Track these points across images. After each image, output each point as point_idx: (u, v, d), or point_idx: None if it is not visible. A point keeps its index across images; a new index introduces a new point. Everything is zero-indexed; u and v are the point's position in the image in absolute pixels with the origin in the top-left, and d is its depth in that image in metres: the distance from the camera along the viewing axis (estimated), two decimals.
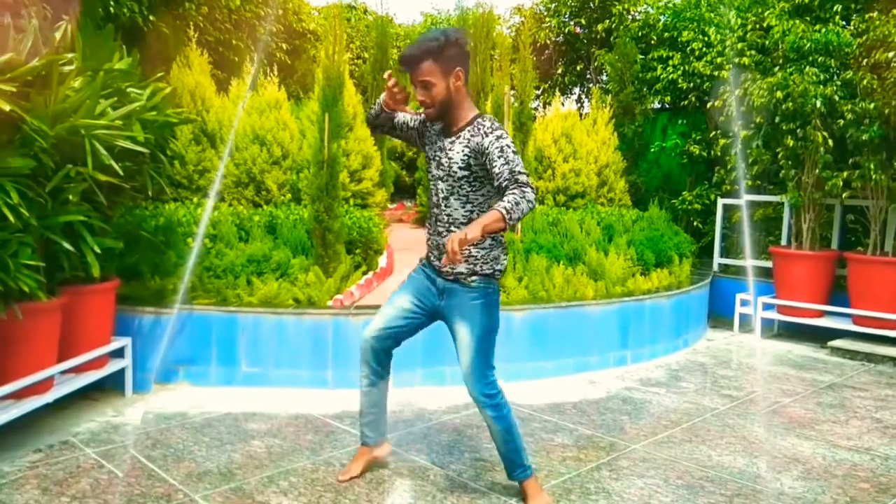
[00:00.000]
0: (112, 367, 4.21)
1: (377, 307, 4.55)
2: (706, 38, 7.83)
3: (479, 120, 2.84)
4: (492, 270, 2.90)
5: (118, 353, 4.28)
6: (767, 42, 6.58)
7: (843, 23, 6.50)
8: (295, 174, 6.21)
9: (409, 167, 9.64)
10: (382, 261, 5.90)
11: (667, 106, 8.97)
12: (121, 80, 3.96)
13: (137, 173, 4.08)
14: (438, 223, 2.95)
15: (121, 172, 3.67)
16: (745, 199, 6.93)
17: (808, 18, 6.51)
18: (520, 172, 2.66)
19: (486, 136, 2.75)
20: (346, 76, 6.27)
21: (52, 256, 3.65)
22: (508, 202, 2.58)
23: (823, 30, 6.07)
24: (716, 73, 7.48)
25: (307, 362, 4.55)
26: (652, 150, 8.70)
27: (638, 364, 5.40)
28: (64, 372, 3.84)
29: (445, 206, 2.91)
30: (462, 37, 2.84)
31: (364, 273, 5.45)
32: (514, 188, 2.63)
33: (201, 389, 4.45)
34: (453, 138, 2.88)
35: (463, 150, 2.82)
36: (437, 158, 2.93)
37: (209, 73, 6.53)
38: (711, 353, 5.86)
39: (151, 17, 6.00)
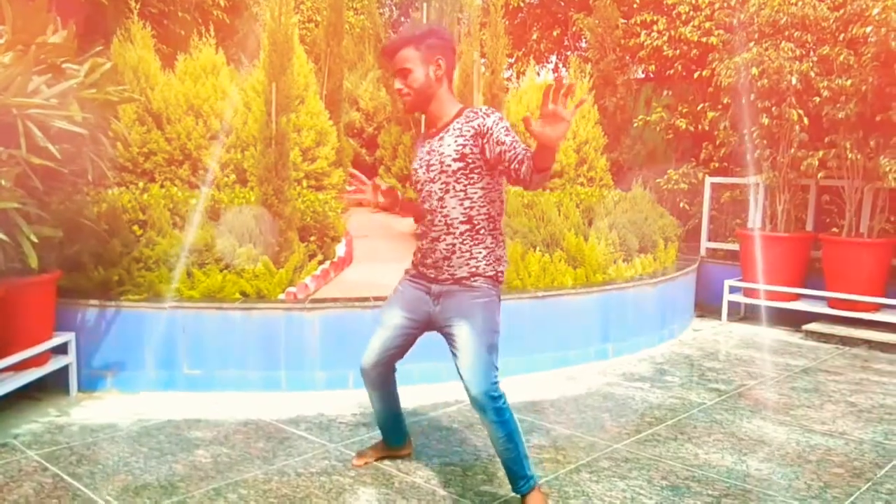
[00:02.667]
0: (54, 363, 4.33)
1: (334, 300, 4.74)
2: (693, 1, 8.01)
3: (469, 110, 2.99)
4: (494, 272, 3.01)
5: (61, 349, 4.40)
6: (742, 16, 6.82)
7: None
8: (239, 152, 6.19)
9: (368, 145, 9.42)
10: (340, 249, 5.94)
11: (651, 76, 9.13)
12: (56, 54, 4.00)
13: (76, 156, 4.12)
14: (434, 228, 3.02)
15: (58, 155, 3.75)
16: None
17: None
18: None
19: (487, 117, 2.89)
20: (295, 41, 6.24)
21: None
22: None
23: (800, 3, 6.32)
24: (704, 40, 7.72)
25: (257, 362, 4.57)
26: (635, 124, 8.88)
27: (620, 357, 5.56)
28: (2, 370, 3.97)
29: (441, 207, 2.98)
30: (445, 31, 3.04)
31: (320, 263, 5.47)
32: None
33: (136, 395, 4.50)
34: (442, 134, 3.00)
35: (456, 141, 2.94)
36: (426, 162, 3.02)
37: (153, 48, 6.52)
38: (698, 345, 6.08)
39: None
